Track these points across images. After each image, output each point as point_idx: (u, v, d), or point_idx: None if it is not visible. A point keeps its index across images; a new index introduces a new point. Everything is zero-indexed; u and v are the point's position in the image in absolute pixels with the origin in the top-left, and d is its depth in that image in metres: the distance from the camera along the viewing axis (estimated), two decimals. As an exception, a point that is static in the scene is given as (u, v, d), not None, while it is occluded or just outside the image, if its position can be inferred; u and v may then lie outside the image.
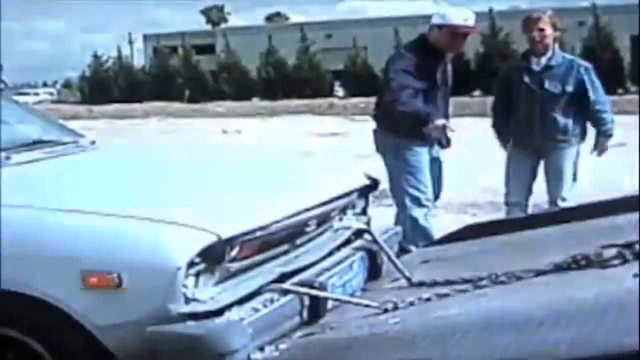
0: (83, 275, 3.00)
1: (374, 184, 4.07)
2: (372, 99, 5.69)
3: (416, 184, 5.10)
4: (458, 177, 5.36)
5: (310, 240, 3.63)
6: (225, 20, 69.15)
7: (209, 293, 3.07)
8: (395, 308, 3.30)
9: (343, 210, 3.93)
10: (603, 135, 5.37)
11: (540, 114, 5.39)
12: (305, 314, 3.29)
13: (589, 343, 2.61)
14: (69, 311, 3.02)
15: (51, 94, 48.03)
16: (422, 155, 5.12)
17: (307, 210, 3.52)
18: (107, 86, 35.07)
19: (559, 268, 3.43)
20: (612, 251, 3.46)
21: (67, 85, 48.86)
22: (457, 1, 56.80)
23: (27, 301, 3.09)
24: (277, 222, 3.31)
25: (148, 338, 2.94)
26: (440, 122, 4.88)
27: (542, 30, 5.32)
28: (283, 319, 3.19)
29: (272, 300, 3.17)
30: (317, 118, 22.80)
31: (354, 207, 4.04)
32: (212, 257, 3.06)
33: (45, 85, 61.59)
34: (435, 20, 5.19)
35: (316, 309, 3.34)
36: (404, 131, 5.08)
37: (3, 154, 3.76)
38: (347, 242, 3.84)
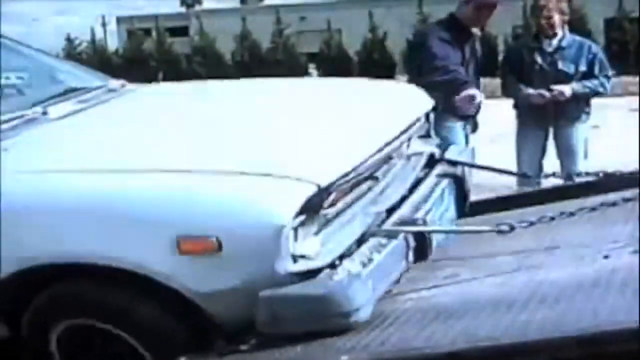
0: (178, 241, 2.77)
1: (435, 105, 3.99)
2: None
3: None
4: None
5: (388, 171, 3.48)
6: (200, 3, 68.59)
7: (312, 247, 2.88)
8: (512, 229, 3.28)
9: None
10: (577, 86, 5.57)
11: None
12: (411, 255, 3.16)
13: (559, 325, 2.63)
14: (165, 281, 2.81)
15: (22, 78, 47.38)
16: (456, 130, 5.19)
17: (392, 141, 3.36)
18: (80, 69, 34.67)
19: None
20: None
21: (40, 68, 48.23)
22: (431, -16, 56.39)
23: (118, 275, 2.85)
24: (368, 160, 3.16)
25: (264, 303, 2.72)
26: (470, 91, 4.87)
27: (549, 17, 5.63)
28: (395, 265, 3.05)
29: (381, 246, 3.00)
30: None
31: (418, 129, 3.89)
32: (312, 208, 2.86)
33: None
34: None
35: (423, 248, 3.20)
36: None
37: (39, 109, 3.54)
38: (427, 167, 3.66)
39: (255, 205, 2.78)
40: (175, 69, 33.81)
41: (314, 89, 4.47)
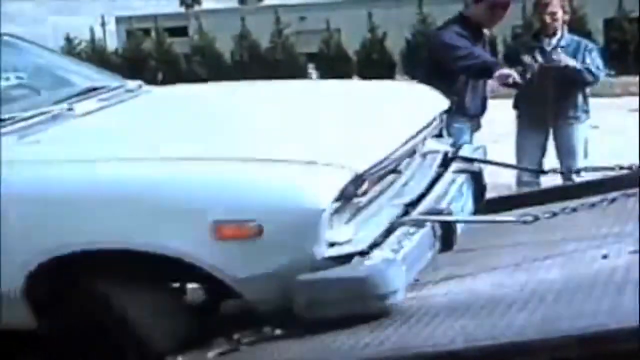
0: (216, 227, 2.78)
1: (450, 106, 4.08)
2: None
3: None
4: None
5: (409, 166, 3.56)
6: (199, 3, 68.58)
7: (346, 233, 2.94)
8: (536, 219, 3.30)
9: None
10: (572, 61, 5.58)
11: (554, 92, 5.66)
12: (438, 244, 3.21)
13: (559, 324, 2.62)
14: (202, 266, 2.85)
15: (21, 77, 47.38)
16: (464, 130, 5.23)
17: (415, 136, 3.44)
18: (79, 69, 34.63)
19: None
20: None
21: (39, 68, 48.13)
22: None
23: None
24: (396, 151, 3.22)
25: (302, 287, 2.75)
26: (505, 70, 4.92)
27: (553, 13, 5.64)
28: (423, 253, 3.09)
29: (410, 234, 3.06)
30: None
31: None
32: (347, 194, 2.92)
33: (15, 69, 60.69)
34: None
35: (449, 237, 3.26)
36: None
37: (65, 105, 3.61)
38: (443, 165, 3.77)
39: (295, 189, 2.84)
40: (174, 69, 33.82)
41: (341, 90, 4.56)
